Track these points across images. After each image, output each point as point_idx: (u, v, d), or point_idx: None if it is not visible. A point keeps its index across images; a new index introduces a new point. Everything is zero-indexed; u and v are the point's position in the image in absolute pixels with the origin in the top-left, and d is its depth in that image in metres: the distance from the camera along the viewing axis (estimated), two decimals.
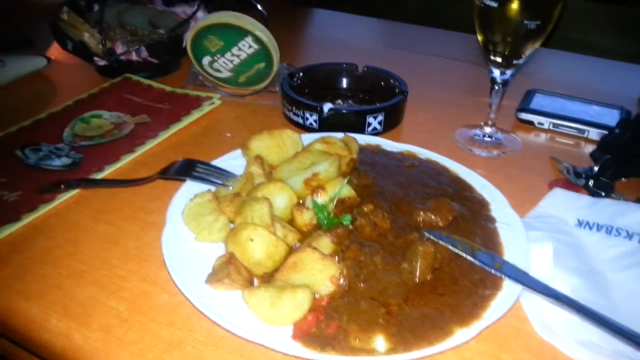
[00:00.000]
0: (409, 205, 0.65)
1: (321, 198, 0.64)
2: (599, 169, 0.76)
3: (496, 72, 0.82)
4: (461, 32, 1.42)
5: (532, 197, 0.74)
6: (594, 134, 0.89)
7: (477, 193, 0.69)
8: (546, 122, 0.92)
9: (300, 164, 0.68)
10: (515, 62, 0.80)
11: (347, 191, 0.65)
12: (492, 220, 0.64)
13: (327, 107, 0.87)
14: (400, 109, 0.91)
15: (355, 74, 1.02)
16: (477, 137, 0.89)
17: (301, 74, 0.99)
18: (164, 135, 0.86)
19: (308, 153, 0.70)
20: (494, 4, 0.73)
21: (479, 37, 0.80)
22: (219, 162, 0.74)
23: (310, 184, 0.65)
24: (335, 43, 1.34)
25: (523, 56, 0.78)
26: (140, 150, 0.83)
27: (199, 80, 1.02)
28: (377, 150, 0.78)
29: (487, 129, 0.89)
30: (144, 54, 1.00)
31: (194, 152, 0.83)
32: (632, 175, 0.79)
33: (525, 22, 0.73)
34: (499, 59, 0.80)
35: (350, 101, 1.00)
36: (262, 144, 0.72)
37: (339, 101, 0.99)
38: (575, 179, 0.76)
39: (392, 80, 0.97)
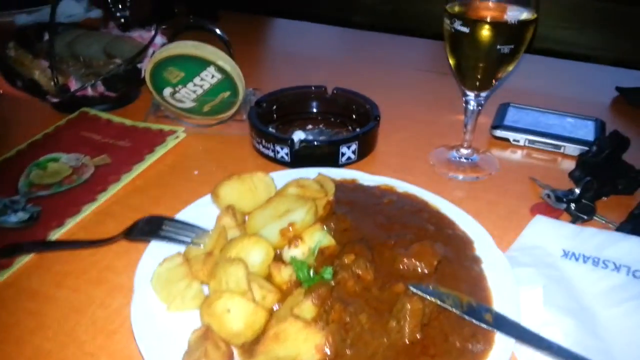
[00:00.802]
0: (391, 250, 0.62)
1: (299, 249, 0.61)
2: (580, 192, 0.74)
3: (470, 96, 0.79)
4: (427, 39, 1.40)
5: (515, 225, 0.73)
6: (571, 149, 0.88)
7: (459, 230, 0.66)
8: (522, 138, 0.91)
9: (274, 210, 0.65)
10: (489, 85, 0.77)
11: (326, 241, 0.62)
12: (477, 261, 0.62)
13: (298, 138, 0.83)
14: (373, 135, 0.88)
15: (325, 96, 0.98)
16: (453, 159, 0.87)
17: (268, 100, 0.95)
18: (127, 179, 0.81)
19: (282, 198, 0.66)
20: (465, 29, 0.70)
21: (451, 61, 0.77)
22: (188, 211, 0.69)
23: (287, 234, 0.62)
24: (299, 57, 1.30)
25: (497, 80, 0.76)
26: (103, 198, 0.78)
27: (161, 111, 0.97)
28: (354, 186, 0.74)
29: (464, 151, 0.87)
30: (101, 88, 0.94)
31: (160, 196, 0.79)
32: (612, 193, 0.78)
33: (499, 47, 0.71)
34: (472, 83, 0.77)
35: (321, 126, 0.96)
36: (232, 191, 0.68)
37: (310, 126, 0.95)
38: (556, 204, 0.75)
39: (363, 103, 0.94)
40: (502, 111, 0.97)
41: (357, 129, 0.93)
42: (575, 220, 0.73)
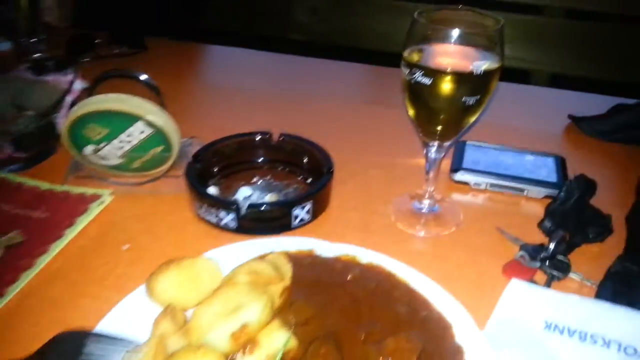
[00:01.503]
0: (362, 346, 0.54)
1: (254, 357, 0.51)
2: (553, 248, 0.69)
3: (432, 146, 0.73)
4: (368, 65, 1.34)
5: (489, 290, 0.66)
6: (534, 192, 0.83)
7: (435, 311, 0.59)
8: (483, 182, 0.85)
9: (222, 306, 0.55)
10: (452, 135, 0.71)
11: (287, 342, 0.53)
12: (459, 351, 0.55)
13: (244, 200, 0.74)
14: (328, 191, 0.80)
15: (271, 144, 0.89)
16: (415, 211, 0.80)
17: (207, 153, 0.84)
18: (43, 263, 0.69)
19: (231, 289, 0.57)
20: (427, 81, 0.63)
21: (410, 112, 0.70)
22: (118, 310, 0.58)
23: (239, 338, 0.52)
24: (237, 91, 1.19)
25: (460, 130, 0.70)
26: (14, 291, 0.65)
27: (83, 169, 0.85)
28: (312, 260, 0.66)
29: (425, 202, 0.80)
30: (9, 149, 0.81)
31: (83, 282, 0.67)
32: (583, 242, 0.74)
33: (464, 99, 0.64)
34: (434, 134, 0.71)
35: (269, 177, 0.87)
36: (170, 285, 0.58)
37: (257, 178, 0.86)
38: (530, 263, 0.69)
39: (312, 150, 0.86)
40: (459, 151, 0.91)
41: (309, 180, 0.85)
42: (550, 279, 0.68)
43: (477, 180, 0.85)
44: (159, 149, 0.81)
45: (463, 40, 0.63)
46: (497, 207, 0.83)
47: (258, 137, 0.88)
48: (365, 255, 0.66)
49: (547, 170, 0.87)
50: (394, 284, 0.62)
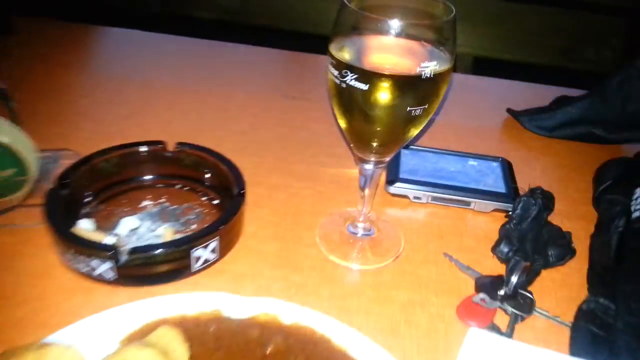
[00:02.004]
0: None
1: None
2: (515, 283, 0.57)
3: (368, 163, 0.58)
4: (282, 50, 1.17)
5: (444, 340, 0.54)
6: (481, 205, 0.72)
7: None
8: (423, 195, 0.72)
9: None
10: (393, 150, 0.57)
11: None
12: None
13: (126, 243, 0.56)
14: (239, 219, 0.63)
15: (165, 156, 0.70)
16: (348, 236, 0.66)
17: (79, 171, 0.65)
18: None
19: None
20: (363, 86, 0.48)
21: (341, 123, 0.55)
22: None
23: None
24: (126, 86, 0.98)
25: (403, 144, 0.56)
26: None
27: None
28: (218, 327, 0.49)
29: (360, 225, 0.66)
30: None
31: None
32: (544, 267, 0.63)
33: (409, 108, 0.50)
34: (371, 150, 0.56)
35: (163, 199, 0.69)
36: None
37: (147, 202, 0.67)
38: (490, 303, 0.57)
39: (217, 163, 0.68)
40: (394, 158, 0.77)
41: (216, 201, 0.68)
42: (514, 320, 0.56)
43: (417, 194, 0.72)
44: (9, 172, 0.61)
45: (405, 32, 0.48)
46: (442, 226, 0.70)
47: (147, 148, 0.70)
48: (290, 312, 0.51)
49: (493, 177, 0.76)
50: (328, 355, 0.47)
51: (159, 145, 0.70)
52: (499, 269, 0.62)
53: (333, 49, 0.50)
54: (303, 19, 1.56)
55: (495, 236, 0.66)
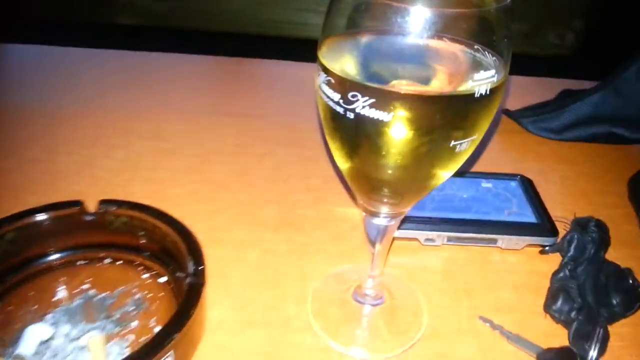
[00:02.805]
0: None
1: None
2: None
3: (379, 219, 0.41)
4: (215, 56, 0.98)
5: None
6: (511, 242, 0.56)
7: None
8: (437, 237, 0.56)
9: None
10: (416, 199, 0.40)
11: None
12: None
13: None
14: (200, 311, 0.44)
15: (84, 220, 0.50)
16: (351, 308, 0.48)
17: None
18: None
19: None
20: (385, 117, 0.30)
21: (342, 166, 0.37)
22: None
23: None
24: (25, 117, 0.76)
25: (433, 189, 0.39)
26: None
27: None
28: None
29: (369, 292, 0.48)
30: None
31: None
32: (609, 322, 0.48)
33: (453, 142, 0.32)
34: (387, 202, 0.39)
35: (86, 285, 0.48)
36: None
37: (62, 294, 0.47)
38: None
39: (157, 221, 0.49)
40: None
41: (163, 278, 0.49)
42: None
43: (430, 235, 0.56)
44: None
45: (439, 28, 0.31)
46: (467, 275, 0.54)
47: (58, 213, 0.49)
48: None
49: (516, 202, 0.60)
50: None
51: (75, 207, 0.50)
52: (556, 330, 0.47)
53: (328, 58, 0.32)
54: (241, 18, 1.37)
55: (537, 282, 0.51)
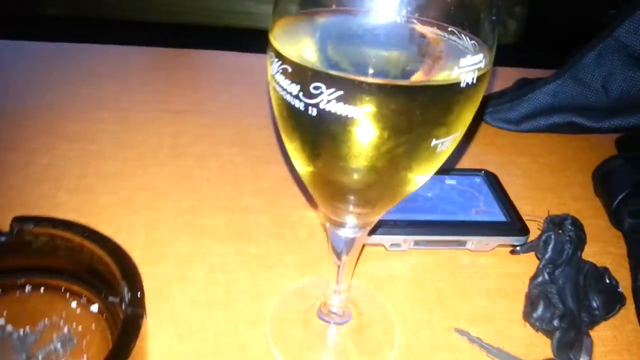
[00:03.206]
0: None
1: None
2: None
3: (344, 230, 0.35)
4: (139, 46, 0.91)
5: None
6: (481, 244, 0.52)
7: None
8: (404, 242, 0.51)
9: None
10: (388, 206, 0.34)
11: None
12: None
13: None
14: (142, 343, 0.37)
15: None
16: (315, 328, 0.43)
17: None
18: None
19: None
20: (354, 113, 0.25)
21: (302, 171, 0.32)
22: None
23: None
24: None
25: (406, 195, 0.33)
26: None
27: None
28: None
29: (335, 309, 0.43)
30: None
31: None
32: (590, 326, 0.45)
33: (434, 141, 0.27)
34: (355, 211, 0.33)
35: (1, 319, 0.41)
36: None
37: None
38: None
39: (83, 240, 0.42)
40: None
41: (94, 305, 0.42)
42: None
43: (395, 239, 0.51)
44: None
45: (414, 7, 0.26)
46: (437, 282, 0.50)
47: None
48: None
49: (482, 199, 0.56)
50: None
51: None
52: (537, 339, 0.43)
53: (282, 42, 0.27)
54: (178, 6, 1.29)
55: (511, 286, 0.48)
